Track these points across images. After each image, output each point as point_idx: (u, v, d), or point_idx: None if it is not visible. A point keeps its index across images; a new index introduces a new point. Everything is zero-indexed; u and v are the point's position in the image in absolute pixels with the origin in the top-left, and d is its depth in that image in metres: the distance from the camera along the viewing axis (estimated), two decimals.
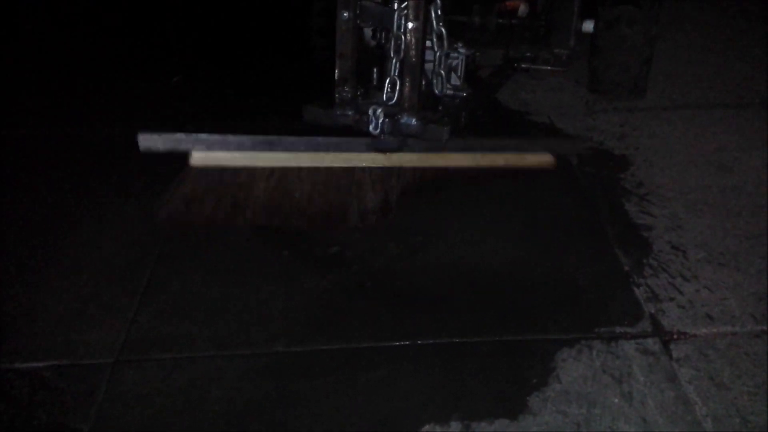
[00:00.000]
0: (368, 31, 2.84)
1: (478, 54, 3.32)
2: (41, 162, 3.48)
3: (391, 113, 2.48)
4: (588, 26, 3.83)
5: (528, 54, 3.89)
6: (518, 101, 3.99)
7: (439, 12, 2.50)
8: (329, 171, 2.62)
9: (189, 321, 2.45)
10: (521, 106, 3.94)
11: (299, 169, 2.60)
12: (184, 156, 2.53)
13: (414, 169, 2.69)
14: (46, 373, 2.25)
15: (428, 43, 2.56)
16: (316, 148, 2.57)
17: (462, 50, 2.98)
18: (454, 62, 2.94)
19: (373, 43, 2.86)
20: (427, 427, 2.03)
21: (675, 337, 2.33)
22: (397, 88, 2.48)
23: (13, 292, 2.59)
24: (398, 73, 2.49)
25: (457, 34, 3.25)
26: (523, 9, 3.96)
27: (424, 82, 2.59)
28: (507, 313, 2.45)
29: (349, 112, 2.57)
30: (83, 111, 4.01)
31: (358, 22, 2.54)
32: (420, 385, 2.18)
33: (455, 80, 2.97)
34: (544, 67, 3.94)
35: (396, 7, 2.46)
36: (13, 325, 2.45)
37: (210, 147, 2.54)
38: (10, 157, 3.53)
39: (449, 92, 2.77)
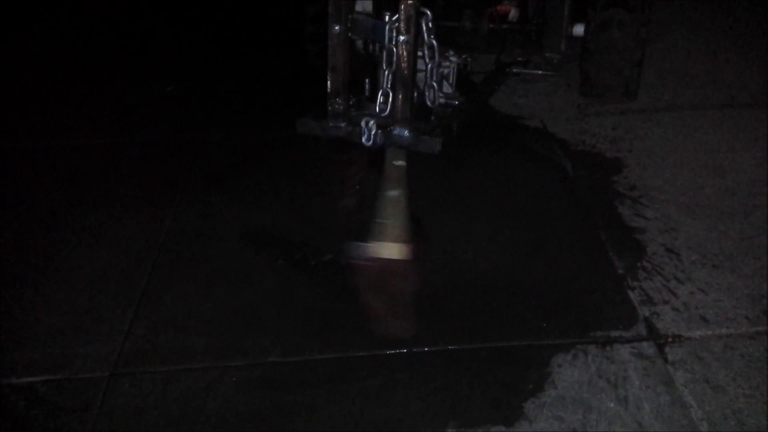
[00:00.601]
0: (360, 43, 2.85)
1: (469, 60, 3.33)
2: (34, 174, 3.48)
3: (384, 125, 2.49)
4: (579, 30, 3.85)
5: (520, 58, 3.90)
6: (511, 105, 3.99)
7: (431, 24, 2.51)
8: None
9: (184, 332, 2.44)
10: (514, 110, 3.94)
11: None
12: None
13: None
14: (41, 388, 2.25)
15: (420, 53, 2.56)
16: None
17: (453, 58, 2.99)
18: (446, 70, 2.95)
19: (365, 54, 2.88)
20: None
21: (670, 340, 2.34)
22: (390, 100, 2.49)
23: (7, 306, 2.59)
24: (390, 85, 2.49)
25: (448, 39, 3.26)
26: (514, 14, 3.97)
27: (416, 93, 2.59)
28: (502, 318, 2.45)
29: (342, 124, 2.58)
30: (77, 121, 4.01)
31: (349, 35, 2.55)
32: (416, 392, 2.18)
33: (447, 88, 2.98)
34: (536, 71, 3.96)
35: (387, 20, 2.47)
36: (8, 339, 2.44)
37: None
38: (4, 168, 3.52)
39: (441, 100, 2.78)
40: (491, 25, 3.89)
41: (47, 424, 2.12)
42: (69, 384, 2.26)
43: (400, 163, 2.60)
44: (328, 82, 2.58)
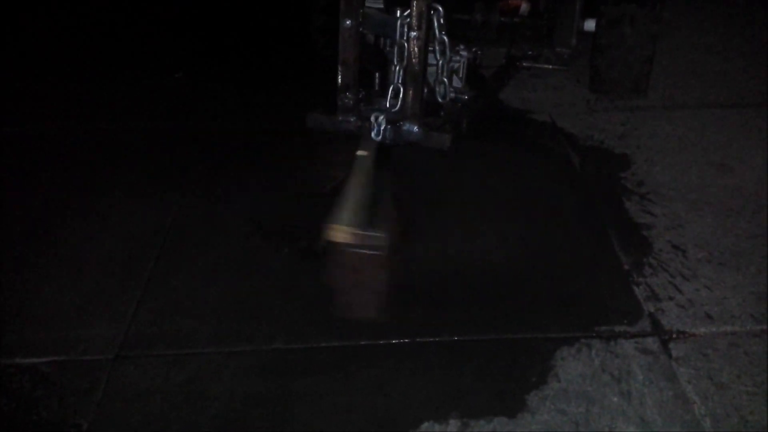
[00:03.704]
0: (371, 38, 2.84)
1: (480, 53, 3.32)
2: (42, 158, 3.49)
3: (393, 120, 2.49)
4: (590, 25, 3.83)
5: (530, 52, 3.89)
6: (520, 100, 3.98)
7: (442, 20, 2.51)
8: None
9: (189, 317, 2.45)
10: (523, 104, 3.94)
11: None
12: None
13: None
14: (46, 369, 2.26)
15: (431, 48, 2.56)
16: None
17: (464, 53, 2.99)
18: (456, 65, 2.94)
19: (375, 49, 2.87)
20: (425, 425, 2.04)
21: (674, 336, 2.34)
22: (400, 95, 2.49)
23: (14, 288, 2.60)
24: (401, 80, 2.49)
25: (459, 32, 3.25)
26: (525, 7, 3.96)
27: (426, 89, 2.59)
28: (506, 311, 2.45)
29: (351, 119, 2.58)
30: (85, 107, 4.01)
31: (360, 29, 2.54)
32: (419, 383, 2.18)
33: (457, 82, 2.97)
34: (546, 66, 3.94)
35: (398, 15, 2.46)
36: (13, 320, 2.45)
37: None
38: (13, 153, 3.53)
39: (451, 95, 2.78)
40: (502, 19, 3.88)
41: (51, 405, 2.13)
42: (74, 365, 2.27)
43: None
44: (339, 77, 2.57)
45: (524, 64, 3.91)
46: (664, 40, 4.01)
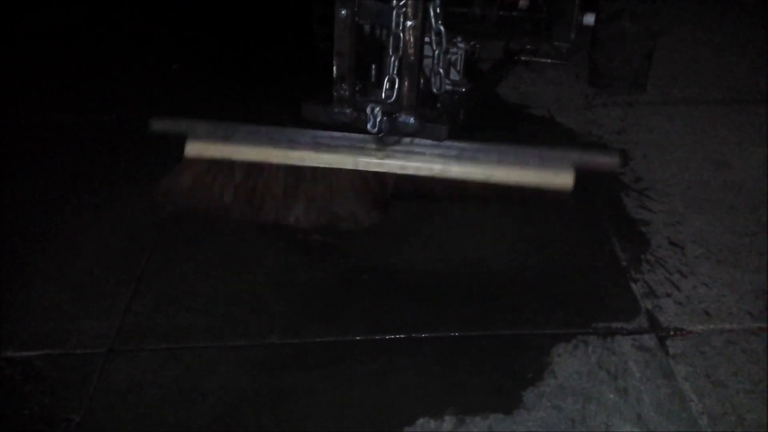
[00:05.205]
0: (367, 28, 2.82)
1: (478, 47, 3.30)
2: (37, 149, 3.47)
3: (389, 111, 2.47)
4: (589, 19, 3.82)
5: (528, 46, 3.87)
6: (518, 94, 3.97)
7: (438, 10, 2.48)
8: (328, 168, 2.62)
9: (184, 311, 2.43)
10: (521, 99, 3.92)
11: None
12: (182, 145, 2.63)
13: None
14: (38, 362, 2.24)
15: (427, 39, 2.54)
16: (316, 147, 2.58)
17: (461, 45, 2.97)
18: (453, 57, 2.93)
19: (371, 39, 2.85)
20: (421, 421, 2.02)
21: (671, 333, 2.33)
22: (396, 86, 2.47)
23: (6, 280, 2.58)
24: (397, 71, 2.47)
25: (457, 26, 3.23)
26: (524, 1, 3.94)
27: (422, 80, 2.57)
28: (503, 307, 2.44)
29: (347, 110, 2.56)
30: (79, 98, 4.00)
31: (356, 19, 2.52)
32: (415, 378, 2.17)
33: (454, 75, 2.95)
34: (545, 60, 3.93)
35: (395, 4, 2.44)
36: (5, 313, 2.43)
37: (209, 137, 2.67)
38: (6, 144, 3.51)
39: (448, 87, 2.75)
40: (501, 12, 3.87)
41: (43, 399, 2.11)
42: (66, 359, 2.25)
43: (405, 150, 2.59)
44: (334, 67, 2.55)
45: (523, 58, 3.90)
46: (664, 35, 4.00)
